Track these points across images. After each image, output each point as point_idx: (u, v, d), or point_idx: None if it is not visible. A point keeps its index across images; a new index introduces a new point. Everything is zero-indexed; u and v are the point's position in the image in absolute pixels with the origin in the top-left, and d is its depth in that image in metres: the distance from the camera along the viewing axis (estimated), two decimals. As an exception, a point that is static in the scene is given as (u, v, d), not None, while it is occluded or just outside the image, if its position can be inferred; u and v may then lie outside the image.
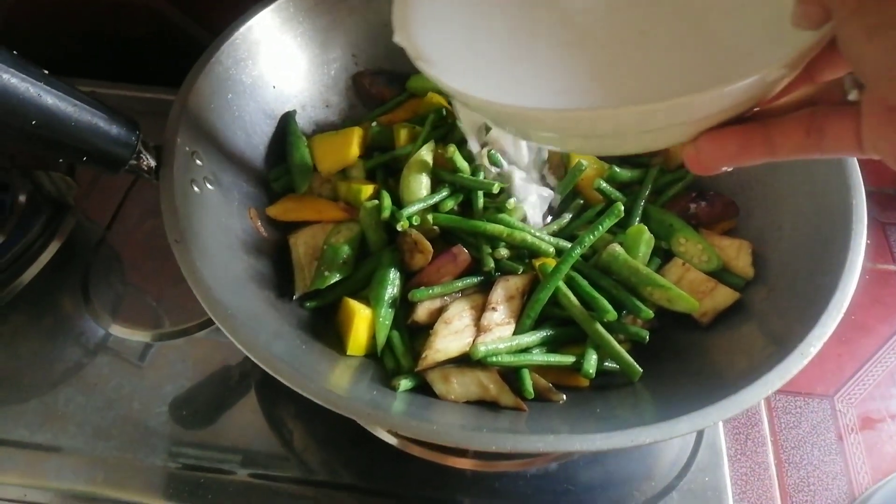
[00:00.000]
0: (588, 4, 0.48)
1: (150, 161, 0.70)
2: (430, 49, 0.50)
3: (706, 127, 0.42)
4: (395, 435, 0.81)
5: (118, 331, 0.90)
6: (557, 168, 0.87)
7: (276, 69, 0.90)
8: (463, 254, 0.78)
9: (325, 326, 0.78)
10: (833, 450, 0.92)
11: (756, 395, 0.58)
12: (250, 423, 0.83)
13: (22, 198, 0.96)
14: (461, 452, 0.80)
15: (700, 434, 0.82)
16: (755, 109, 0.43)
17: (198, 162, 0.75)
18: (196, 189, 0.73)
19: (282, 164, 0.89)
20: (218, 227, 0.75)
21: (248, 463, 0.80)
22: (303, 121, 0.94)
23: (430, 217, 0.80)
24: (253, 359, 0.59)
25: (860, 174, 0.73)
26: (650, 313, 0.74)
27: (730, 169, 0.43)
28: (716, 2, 0.44)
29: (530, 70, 0.46)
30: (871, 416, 0.96)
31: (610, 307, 0.72)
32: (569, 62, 0.45)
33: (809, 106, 0.41)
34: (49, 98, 0.61)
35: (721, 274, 0.79)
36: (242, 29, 0.83)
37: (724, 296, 0.76)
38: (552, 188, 0.85)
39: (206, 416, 0.84)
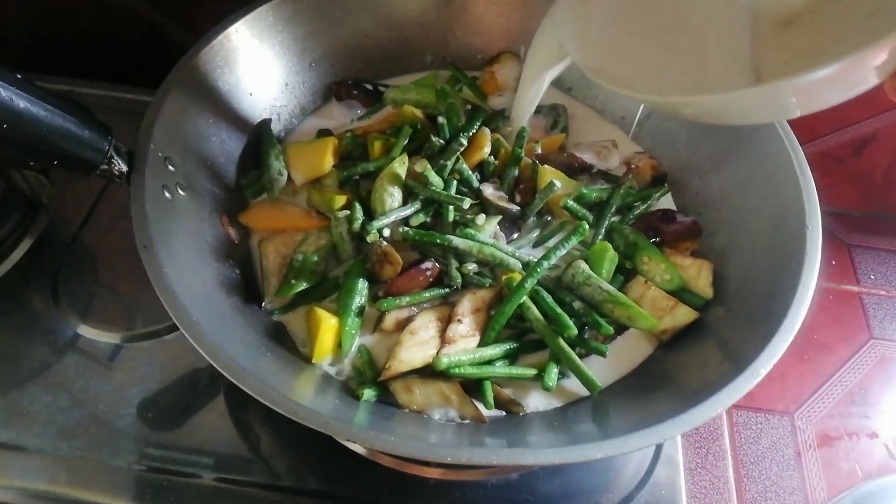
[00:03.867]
0: None
1: (121, 166, 0.71)
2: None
3: None
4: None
5: (87, 331, 0.90)
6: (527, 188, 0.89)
7: (254, 77, 0.91)
8: (433, 266, 0.79)
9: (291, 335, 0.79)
10: (791, 466, 0.95)
11: (705, 413, 0.59)
12: (218, 428, 0.84)
13: (-6, 196, 0.97)
14: (425, 462, 0.81)
15: (658, 449, 0.84)
16: None
17: (170, 168, 0.76)
18: (167, 195, 0.74)
19: (255, 171, 0.90)
20: (188, 232, 0.75)
21: (214, 467, 0.80)
22: (278, 128, 0.95)
23: (400, 230, 0.81)
24: (215, 366, 0.60)
25: (817, 201, 0.74)
26: (610, 330, 0.76)
27: None
28: None
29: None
30: (829, 433, 0.98)
31: (570, 323, 0.74)
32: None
33: None
34: (21, 102, 0.61)
35: (681, 293, 0.81)
36: (220, 36, 0.84)
37: (684, 314, 0.78)
38: (520, 206, 0.86)
39: (174, 418, 0.84)
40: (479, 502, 0.79)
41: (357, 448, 0.81)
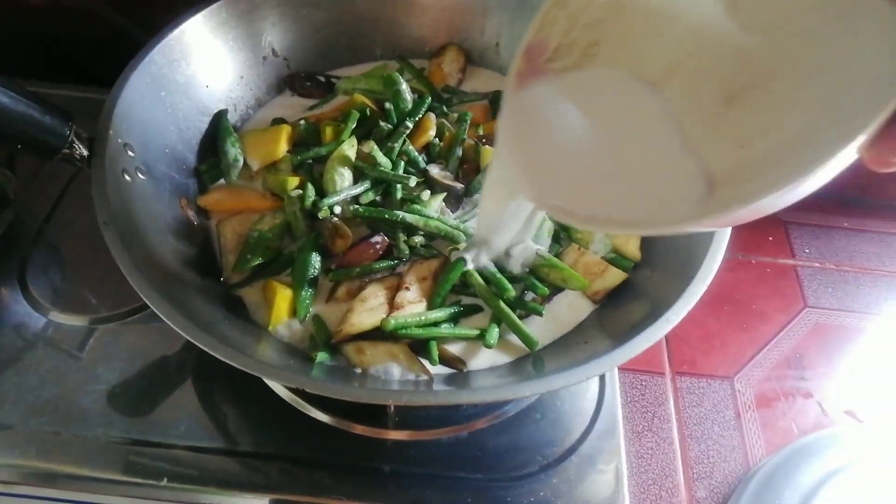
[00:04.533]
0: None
1: (82, 150, 0.75)
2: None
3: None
4: (326, 411, 0.86)
5: (55, 316, 0.94)
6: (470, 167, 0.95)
7: (210, 70, 0.96)
8: (382, 240, 0.84)
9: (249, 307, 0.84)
10: (731, 426, 1.01)
11: (624, 355, 0.65)
12: (186, 403, 0.88)
13: (-41, 192, 1.00)
14: (382, 424, 0.86)
15: (599, 404, 0.90)
16: None
17: (129, 153, 0.80)
18: (127, 178, 0.78)
19: (213, 158, 0.95)
20: (147, 213, 0.80)
21: (181, 437, 0.84)
22: (235, 118, 1.00)
23: (351, 208, 0.86)
24: (173, 326, 0.64)
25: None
26: (546, 291, 0.82)
27: None
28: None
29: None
30: (767, 395, 1.05)
31: (509, 286, 0.80)
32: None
33: None
34: (-18, 90, 0.66)
35: (612, 257, 0.87)
36: (176, 31, 0.89)
37: (614, 276, 0.84)
38: (464, 183, 0.92)
39: (142, 396, 0.88)
40: (433, 459, 0.84)
41: (320, 416, 0.86)
